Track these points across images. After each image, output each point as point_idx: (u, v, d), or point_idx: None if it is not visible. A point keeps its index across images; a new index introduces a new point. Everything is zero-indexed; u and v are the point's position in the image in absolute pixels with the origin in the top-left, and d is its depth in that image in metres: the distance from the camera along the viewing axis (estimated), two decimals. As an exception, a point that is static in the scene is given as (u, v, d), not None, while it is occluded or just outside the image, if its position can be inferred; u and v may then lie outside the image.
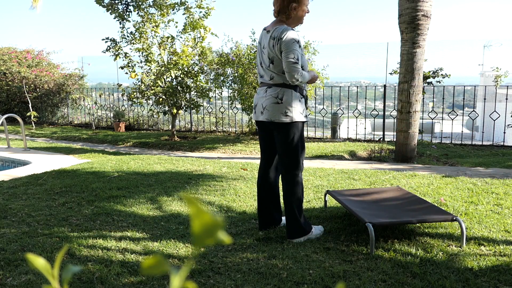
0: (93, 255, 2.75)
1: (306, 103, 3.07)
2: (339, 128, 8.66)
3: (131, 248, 2.87)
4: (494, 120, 7.50)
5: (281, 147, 2.98)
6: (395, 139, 6.54)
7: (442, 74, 8.04)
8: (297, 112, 2.90)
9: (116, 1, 8.00)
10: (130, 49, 8.29)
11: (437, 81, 8.11)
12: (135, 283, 2.38)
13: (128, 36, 8.23)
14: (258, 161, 5.96)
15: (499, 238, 2.98)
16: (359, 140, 8.21)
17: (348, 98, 9.37)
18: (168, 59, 8.24)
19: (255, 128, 9.20)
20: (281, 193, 3.24)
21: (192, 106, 8.53)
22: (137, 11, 8.08)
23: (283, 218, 3.35)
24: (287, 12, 2.90)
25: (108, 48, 8.26)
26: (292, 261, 2.64)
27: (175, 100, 8.30)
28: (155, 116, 10.64)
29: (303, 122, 2.97)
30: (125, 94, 9.39)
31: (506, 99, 7.71)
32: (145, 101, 8.89)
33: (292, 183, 3.00)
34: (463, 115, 8.19)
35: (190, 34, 8.27)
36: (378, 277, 2.42)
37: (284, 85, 2.90)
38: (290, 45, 2.79)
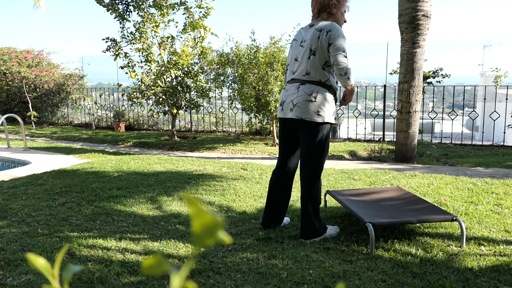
0: (93, 255, 2.75)
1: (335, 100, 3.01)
2: (339, 128, 8.66)
3: (131, 248, 2.87)
4: (494, 120, 7.50)
5: (307, 147, 2.90)
6: (395, 139, 6.54)
7: (442, 74, 8.04)
8: (329, 113, 2.85)
9: (117, 1, 8.00)
10: (130, 49, 8.30)
11: (437, 81, 8.11)
12: (135, 283, 2.38)
13: (128, 36, 8.23)
14: (258, 161, 5.97)
15: (499, 238, 2.98)
16: (359, 140, 8.21)
17: (348, 98, 9.36)
18: (168, 59, 8.24)
19: (255, 128, 9.20)
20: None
21: (192, 106, 8.53)
22: (137, 11, 8.09)
23: (286, 218, 3.35)
24: (328, 9, 2.87)
25: (108, 48, 8.26)
26: (292, 261, 2.64)
27: (175, 100, 8.30)
28: (155, 116, 10.65)
29: (331, 124, 2.92)
30: (125, 94, 9.39)
31: (506, 99, 7.71)
32: (145, 101, 8.89)
33: (312, 184, 2.95)
34: (463, 115, 8.19)
35: (190, 34, 8.28)
36: (378, 277, 2.42)
37: (319, 83, 2.84)
38: (340, 39, 2.76)
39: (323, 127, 2.85)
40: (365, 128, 8.72)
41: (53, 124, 11.87)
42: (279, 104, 3.04)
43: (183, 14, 8.14)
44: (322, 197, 4.00)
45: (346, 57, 2.78)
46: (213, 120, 10.28)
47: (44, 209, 3.75)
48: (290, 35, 7.65)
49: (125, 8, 8.10)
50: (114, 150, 7.62)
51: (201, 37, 8.27)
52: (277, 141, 7.80)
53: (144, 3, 7.99)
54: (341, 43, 2.76)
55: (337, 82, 2.98)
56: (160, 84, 8.08)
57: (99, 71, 14.45)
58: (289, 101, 2.90)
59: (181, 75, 8.29)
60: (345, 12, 2.97)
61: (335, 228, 3.12)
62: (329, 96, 2.87)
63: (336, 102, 2.98)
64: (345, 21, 2.99)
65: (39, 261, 0.50)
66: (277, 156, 3.23)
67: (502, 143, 7.69)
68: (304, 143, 2.91)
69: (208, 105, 10.08)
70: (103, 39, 8.32)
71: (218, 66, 8.14)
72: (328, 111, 2.84)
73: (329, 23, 2.82)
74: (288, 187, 3.18)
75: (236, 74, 7.80)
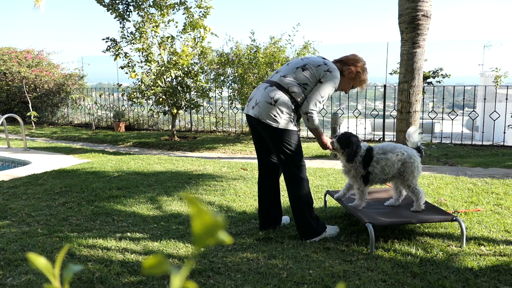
0: (93, 255, 2.75)
1: (298, 121, 3.07)
2: (339, 128, 8.65)
3: (131, 248, 2.87)
4: (494, 120, 7.50)
5: (276, 151, 2.97)
6: (395, 139, 6.53)
7: (442, 74, 8.04)
8: (285, 121, 2.87)
9: (117, 1, 8.00)
10: (130, 49, 8.29)
11: (437, 81, 8.11)
12: (135, 283, 2.38)
13: (128, 36, 8.23)
14: (258, 161, 5.97)
15: (499, 238, 2.98)
16: (359, 140, 8.20)
17: (348, 98, 9.37)
18: (168, 59, 8.24)
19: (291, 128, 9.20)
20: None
21: (192, 106, 8.53)
22: (137, 11, 8.09)
23: (284, 217, 3.34)
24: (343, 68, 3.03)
25: (108, 48, 8.26)
26: (292, 261, 2.64)
27: (175, 100, 8.30)
28: (155, 116, 10.65)
29: (290, 131, 2.93)
30: (125, 94, 9.39)
31: (506, 99, 7.71)
32: (145, 101, 8.89)
33: (295, 186, 2.96)
34: (463, 115, 8.19)
35: (190, 34, 8.28)
36: (378, 277, 2.42)
37: (286, 91, 2.87)
38: (331, 81, 2.88)
39: (283, 132, 2.87)
40: (365, 128, 8.72)
41: (53, 124, 11.87)
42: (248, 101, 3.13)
43: (183, 14, 8.14)
44: (322, 197, 4.00)
45: (320, 102, 2.90)
46: (213, 120, 10.28)
47: (44, 209, 3.75)
48: (290, 35, 7.65)
49: (125, 8, 8.10)
50: (114, 150, 7.62)
51: (201, 37, 8.27)
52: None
53: (144, 3, 7.98)
54: (328, 87, 2.89)
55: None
56: (160, 84, 8.08)
57: (99, 71, 14.45)
58: (254, 98, 2.96)
59: (181, 75, 8.29)
60: (353, 79, 3.07)
61: (335, 228, 3.12)
62: (290, 107, 2.87)
63: (298, 118, 3.03)
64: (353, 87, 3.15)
65: (40, 261, 0.50)
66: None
67: (502, 143, 7.69)
68: (272, 148, 2.98)
69: (208, 105, 10.08)
70: (103, 39, 8.32)
71: (218, 66, 8.14)
72: (284, 118, 2.86)
73: (333, 64, 2.97)
74: (273, 186, 3.22)
75: (236, 74, 7.81)
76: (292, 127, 2.91)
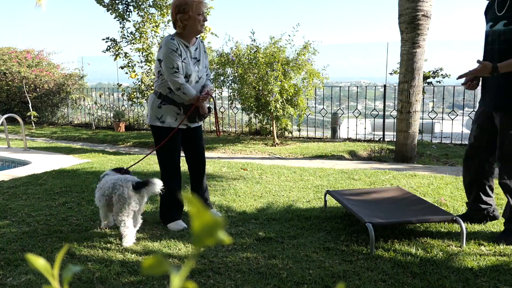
0: (93, 255, 2.75)
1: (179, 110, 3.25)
2: (339, 128, 8.66)
3: (131, 248, 2.87)
4: (494, 120, 7.49)
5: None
6: (395, 139, 6.54)
7: (442, 74, 8.04)
8: (152, 117, 3.23)
9: (117, 1, 8.00)
10: (130, 49, 8.30)
11: (437, 81, 8.10)
12: (135, 283, 2.38)
13: (128, 36, 8.23)
14: (258, 161, 5.97)
15: (499, 238, 2.98)
16: (359, 140, 8.21)
17: (348, 98, 9.37)
18: (168, 59, 8.23)
19: (255, 128, 9.20)
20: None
21: (192, 106, 8.51)
22: (137, 11, 8.09)
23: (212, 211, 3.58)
24: (178, 24, 3.21)
25: (108, 48, 8.26)
26: (292, 261, 2.64)
27: (175, 100, 8.29)
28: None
29: (158, 127, 3.22)
30: (125, 94, 9.39)
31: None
32: (145, 101, 8.88)
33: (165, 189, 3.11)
34: (463, 115, 8.18)
35: (190, 34, 8.27)
36: (378, 277, 2.42)
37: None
38: (163, 51, 3.15)
39: (152, 128, 3.28)
40: (365, 128, 8.72)
41: (53, 124, 11.86)
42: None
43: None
44: (322, 197, 4.00)
45: (160, 67, 3.18)
46: (212, 120, 10.27)
47: (44, 209, 3.75)
48: (290, 35, 7.65)
49: (125, 8, 8.10)
50: (114, 150, 7.62)
51: (201, 37, 8.27)
52: (277, 141, 7.80)
53: (144, 3, 7.99)
54: (159, 56, 3.19)
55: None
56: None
57: (99, 71, 14.44)
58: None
59: (181, 75, 8.28)
60: (199, 22, 3.28)
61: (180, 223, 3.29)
62: (155, 101, 3.23)
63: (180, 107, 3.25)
64: (205, 20, 3.39)
65: (39, 262, 0.50)
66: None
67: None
68: None
69: (208, 105, 10.07)
70: (103, 39, 8.32)
71: (218, 66, 8.13)
72: (152, 114, 3.23)
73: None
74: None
75: (236, 74, 7.80)
76: (157, 123, 3.24)
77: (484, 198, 3.21)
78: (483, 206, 3.23)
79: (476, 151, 3.15)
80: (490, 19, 2.86)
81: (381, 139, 8.24)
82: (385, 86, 8.53)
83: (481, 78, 3.07)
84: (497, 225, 3.23)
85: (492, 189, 3.24)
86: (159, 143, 3.23)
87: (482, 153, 3.12)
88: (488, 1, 2.96)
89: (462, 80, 3.07)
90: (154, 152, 3.30)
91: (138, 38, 8.10)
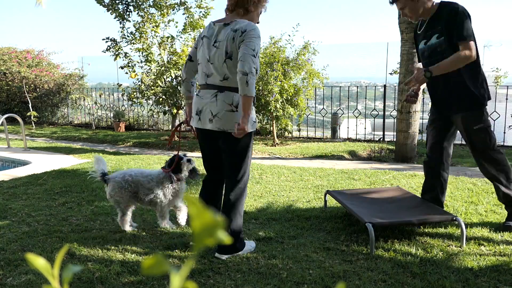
0: (93, 255, 2.75)
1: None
2: (339, 128, 8.66)
3: (131, 248, 2.87)
4: (494, 120, 7.49)
5: (231, 159, 2.68)
6: (395, 139, 6.54)
7: (442, 74, 8.03)
8: (250, 122, 2.57)
9: (117, 1, 8.00)
10: (130, 49, 8.30)
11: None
12: (135, 283, 2.38)
13: (128, 36, 8.23)
14: (258, 161, 5.97)
15: (499, 238, 2.98)
16: (359, 140, 8.21)
17: (348, 98, 9.37)
18: (168, 59, 8.24)
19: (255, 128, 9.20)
20: None
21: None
22: (137, 11, 8.09)
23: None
24: (246, 6, 2.59)
25: (108, 48, 8.26)
26: (292, 261, 2.64)
27: (175, 100, 8.30)
28: (155, 116, 10.65)
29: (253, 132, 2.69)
30: (125, 94, 9.39)
31: (506, 99, 7.70)
32: (145, 101, 8.89)
33: (241, 196, 2.73)
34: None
35: (190, 34, 8.28)
36: (378, 277, 2.42)
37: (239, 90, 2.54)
38: (255, 39, 2.49)
39: (245, 137, 2.60)
40: (365, 128, 8.72)
41: (53, 124, 11.86)
42: (194, 113, 2.74)
43: (183, 14, 8.14)
44: (322, 197, 4.00)
45: (255, 56, 2.47)
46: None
47: (44, 209, 3.75)
48: (290, 35, 7.65)
49: (125, 8, 8.10)
50: (114, 150, 7.62)
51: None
52: (277, 141, 7.80)
53: (144, 3, 7.99)
54: (254, 43, 2.48)
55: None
56: (160, 84, 8.08)
57: (99, 71, 14.45)
58: (207, 110, 2.61)
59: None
60: (261, 12, 2.73)
61: (252, 243, 2.91)
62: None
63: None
64: (257, 23, 2.72)
65: (38, 261, 0.50)
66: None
67: (502, 143, 7.69)
68: (228, 155, 2.68)
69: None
70: (103, 39, 8.32)
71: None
72: (250, 120, 2.55)
73: (246, 22, 2.54)
74: (219, 199, 2.92)
75: (236, 74, 7.80)
76: (254, 127, 2.70)
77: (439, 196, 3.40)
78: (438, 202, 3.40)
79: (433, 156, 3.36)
80: (421, 38, 3.19)
81: (381, 139, 8.24)
82: (385, 86, 8.53)
83: (427, 88, 3.31)
84: (497, 225, 3.23)
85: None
86: (250, 152, 2.73)
87: (440, 152, 3.33)
88: (414, 27, 3.38)
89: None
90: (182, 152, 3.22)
91: (138, 38, 8.10)
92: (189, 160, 3.21)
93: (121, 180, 3.16)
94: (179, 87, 8.31)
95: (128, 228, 3.22)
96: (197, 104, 2.69)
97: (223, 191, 2.86)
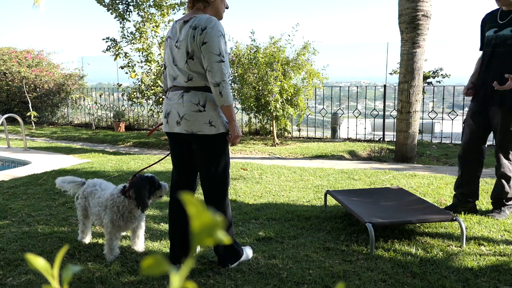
0: (93, 255, 2.75)
1: None
2: (339, 128, 8.66)
3: (131, 248, 2.86)
4: (494, 120, 7.49)
5: (205, 163, 2.48)
6: (395, 139, 6.54)
7: (442, 74, 8.04)
8: (222, 122, 2.42)
9: (117, 1, 8.00)
10: (130, 49, 8.29)
11: (437, 81, 8.10)
12: (135, 283, 2.38)
13: (128, 36, 8.23)
14: (258, 161, 5.97)
15: (499, 238, 2.98)
16: (359, 140, 8.21)
17: (348, 98, 9.37)
18: (168, 59, 8.23)
19: (255, 128, 9.20)
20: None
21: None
22: (137, 11, 8.09)
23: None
24: (206, 0, 2.42)
25: (108, 48, 8.26)
26: (292, 261, 2.64)
27: (175, 100, 8.30)
28: (155, 116, 10.64)
29: (227, 133, 2.47)
30: (125, 94, 9.39)
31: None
32: (145, 101, 8.88)
33: (221, 202, 2.54)
34: (463, 115, 8.18)
35: (190, 34, 8.27)
36: (378, 277, 2.42)
37: (206, 88, 2.40)
38: (216, 39, 2.30)
39: (218, 138, 2.44)
40: (365, 128, 8.72)
41: (53, 124, 11.86)
42: (163, 116, 2.56)
43: (183, 14, 8.14)
44: (322, 197, 4.00)
45: (222, 61, 2.32)
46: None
47: (44, 209, 3.75)
48: (289, 35, 7.65)
49: (125, 8, 8.10)
50: (114, 150, 7.62)
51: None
52: (277, 141, 7.80)
53: (144, 3, 7.98)
54: (217, 44, 2.31)
55: None
56: (160, 84, 8.08)
57: (99, 71, 14.45)
58: (175, 112, 2.45)
59: (181, 75, 8.29)
60: (224, 8, 2.53)
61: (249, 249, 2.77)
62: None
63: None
64: (227, 7, 2.55)
65: (38, 262, 0.50)
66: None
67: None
68: (201, 159, 2.49)
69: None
70: (103, 39, 8.32)
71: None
72: (221, 119, 2.42)
73: (204, 18, 2.34)
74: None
75: (236, 74, 7.80)
76: (225, 128, 2.48)
77: (476, 191, 3.56)
78: (474, 199, 3.56)
79: (473, 146, 3.48)
80: (492, 25, 3.31)
81: (381, 139, 8.24)
82: (385, 86, 8.53)
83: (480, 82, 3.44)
84: (497, 225, 3.23)
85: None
86: (226, 153, 2.54)
87: (478, 148, 3.48)
88: (490, 12, 3.43)
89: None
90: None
91: (138, 38, 8.10)
92: (162, 186, 2.75)
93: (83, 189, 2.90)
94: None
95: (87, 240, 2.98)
96: (165, 107, 2.54)
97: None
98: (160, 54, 8.23)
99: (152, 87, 8.09)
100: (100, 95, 11.54)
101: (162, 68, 2.60)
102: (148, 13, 8.09)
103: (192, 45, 2.33)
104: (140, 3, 7.96)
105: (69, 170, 5.34)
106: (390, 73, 8.55)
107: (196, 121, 2.39)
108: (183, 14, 8.12)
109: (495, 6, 3.37)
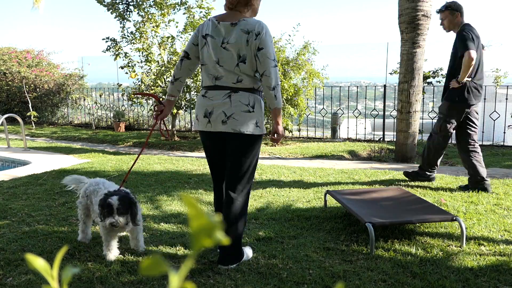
0: (93, 255, 2.75)
1: None
2: (339, 128, 8.66)
3: (131, 248, 2.86)
4: (494, 120, 7.49)
5: (242, 163, 2.53)
6: (395, 139, 6.53)
7: (442, 74, 8.04)
8: (264, 124, 2.57)
9: (117, 1, 8.01)
10: (130, 49, 8.30)
11: (437, 81, 8.10)
12: (135, 283, 2.38)
13: (128, 36, 8.23)
14: (258, 161, 5.96)
15: (499, 238, 2.98)
16: (359, 140, 8.21)
17: (348, 98, 9.37)
18: (168, 59, 8.24)
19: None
20: None
21: (192, 106, 8.53)
22: (137, 11, 8.09)
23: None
24: (249, 3, 2.48)
25: (108, 47, 8.27)
26: (292, 261, 2.64)
27: (175, 100, 8.30)
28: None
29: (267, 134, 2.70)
30: (125, 94, 9.39)
31: (506, 99, 7.70)
32: (145, 101, 8.88)
33: (246, 202, 2.63)
34: (463, 115, 8.18)
35: (190, 34, 8.27)
36: (378, 277, 2.42)
37: (253, 90, 2.49)
38: (270, 44, 2.43)
39: (259, 140, 2.56)
40: (365, 128, 8.72)
41: (53, 124, 11.86)
42: (202, 116, 2.55)
43: (184, 14, 8.14)
44: (322, 197, 4.00)
45: (276, 66, 2.46)
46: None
47: (44, 209, 3.75)
48: (290, 35, 7.65)
49: (125, 8, 8.10)
50: (114, 150, 7.62)
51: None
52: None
53: (144, 3, 7.99)
54: (272, 50, 2.43)
55: None
56: (160, 84, 8.08)
57: (99, 71, 14.45)
58: (219, 111, 2.46)
59: (181, 75, 8.29)
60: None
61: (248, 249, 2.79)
62: (263, 105, 2.58)
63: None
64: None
65: (38, 262, 0.50)
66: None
67: (502, 143, 7.68)
68: (239, 156, 2.53)
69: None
70: (103, 39, 8.33)
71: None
72: (263, 122, 2.56)
73: (255, 23, 2.41)
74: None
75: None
76: (265, 130, 2.63)
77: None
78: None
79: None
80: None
81: (381, 139, 8.24)
82: (385, 86, 8.53)
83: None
84: (497, 225, 3.23)
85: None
86: (258, 156, 2.64)
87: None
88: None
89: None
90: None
91: (138, 38, 8.10)
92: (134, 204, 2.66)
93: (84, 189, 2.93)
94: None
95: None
96: (204, 106, 2.52)
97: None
98: (160, 54, 8.23)
99: (152, 87, 8.09)
100: (100, 95, 11.54)
101: (182, 56, 2.62)
102: (148, 13, 8.09)
103: (246, 49, 2.40)
104: (140, 3, 7.96)
105: (69, 170, 5.34)
106: (390, 73, 8.55)
107: (244, 121, 2.46)
108: (184, 13, 8.12)
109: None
